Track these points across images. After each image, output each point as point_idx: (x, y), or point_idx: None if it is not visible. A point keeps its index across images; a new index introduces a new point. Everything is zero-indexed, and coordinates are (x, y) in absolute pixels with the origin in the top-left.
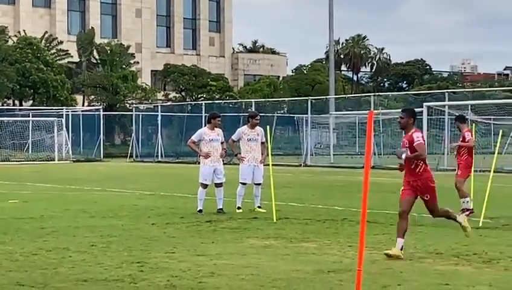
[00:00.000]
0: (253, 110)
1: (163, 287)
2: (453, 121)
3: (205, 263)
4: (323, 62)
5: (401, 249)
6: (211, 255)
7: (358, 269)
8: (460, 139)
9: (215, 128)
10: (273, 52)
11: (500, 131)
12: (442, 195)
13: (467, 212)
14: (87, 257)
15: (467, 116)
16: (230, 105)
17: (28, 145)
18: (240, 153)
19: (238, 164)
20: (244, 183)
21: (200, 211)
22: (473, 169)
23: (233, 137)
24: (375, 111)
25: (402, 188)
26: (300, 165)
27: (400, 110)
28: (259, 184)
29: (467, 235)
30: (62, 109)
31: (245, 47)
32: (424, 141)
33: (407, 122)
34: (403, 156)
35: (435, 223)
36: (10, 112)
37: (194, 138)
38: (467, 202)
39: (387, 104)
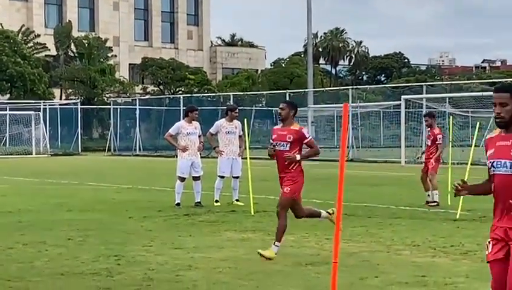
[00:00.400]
0: (232, 103)
1: (140, 281)
2: (423, 117)
3: (182, 256)
4: (302, 55)
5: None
6: (188, 248)
7: (334, 261)
8: (432, 138)
9: (193, 122)
10: (251, 45)
11: (477, 123)
12: (416, 189)
13: (434, 204)
14: (63, 251)
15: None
16: (209, 98)
17: (6, 139)
18: (218, 147)
19: (216, 157)
20: (222, 177)
21: (178, 204)
22: (450, 162)
23: (211, 130)
24: (354, 104)
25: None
26: None
27: (377, 103)
28: (238, 177)
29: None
30: (40, 103)
31: (223, 40)
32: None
33: (287, 114)
34: (298, 157)
35: (412, 216)
36: None
37: (171, 131)
38: (436, 194)
39: (366, 98)
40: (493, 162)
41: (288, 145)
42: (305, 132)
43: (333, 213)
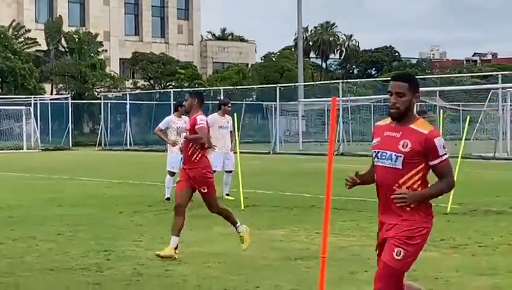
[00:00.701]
0: (222, 98)
1: (130, 276)
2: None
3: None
4: (292, 49)
5: (176, 249)
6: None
7: (322, 255)
8: None
9: (182, 116)
10: (241, 39)
11: (468, 117)
12: None
13: None
14: (53, 246)
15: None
16: None
17: None
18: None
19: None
20: (214, 171)
21: (168, 199)
22: None
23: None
24: (344, 98)
25: (179, 178)
26: (269, 152)
27: (368, 96)
28: (230, 172)
29: (243, 249)
30: (30, 98)
31: (214, 35)
32: (207, 126)
33: (190, 104)
34: (183, 134)
35: None
36: None
37: (160, 125)
38: None
39: (356, 91)
40: (378, 152)
41: (188, 133)
42: (198, 118)
43: (246, 232)
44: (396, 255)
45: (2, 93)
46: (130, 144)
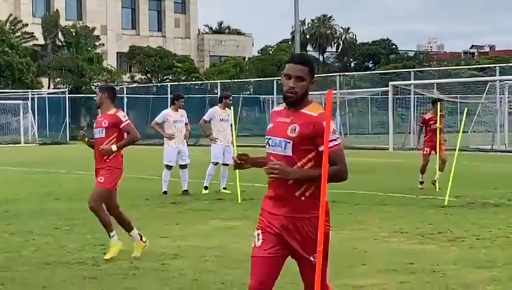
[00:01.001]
0: (220, 91)
1: (126, 270)
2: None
3: (169, 244)
4: (289, 42)
5: (141, 238)
6: (174, 236)
7: (318, 249)
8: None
9: (179, 110)
10: (238, 33)
11: (465, 109)
12: (405, 175)
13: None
14: (50, 240)
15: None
16: (196, 86)
17: None
18: (212, 134)
19: (208, 145)
20: (215, 163)
21: (165, 192)
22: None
23: (205, 117)
24: (341, 91)
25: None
26: None
27: (365, 89)
28: (228, 165)
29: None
30: (28, 92)
31: (211, 28)
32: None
33: (101, 100)
34: (114, 148)
35: (400, 202)
36: None
37: (157, 119)
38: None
39: (354, 84)
40: (269, 139)
41: (104, 131)
42: (120, 115)
43: (145, 244)
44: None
45: (0, 87)
46: None
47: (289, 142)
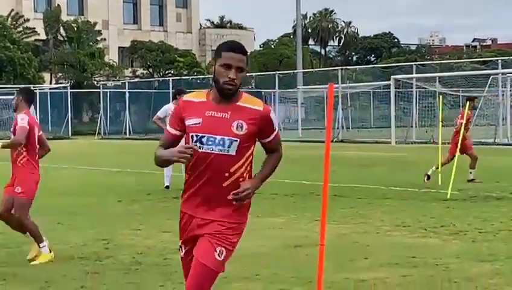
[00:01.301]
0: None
1: (129, 265)
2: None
3: (171, 239)
4: (291, 37)
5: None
6: (176, 231)
7: (320, 244)
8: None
9: None
10: (240, 27)
11: (467, 102)
12: (407, 169)
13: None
14: (52, 235)
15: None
16: (198, 81)
17: None
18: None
19: None
20: None
21: (167, 187)
22: (440, 141)
23: (159, 114)
24: (343, 85)
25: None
26: None
27: (367, 83)
28: None
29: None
30: (29, 87)
31: (212, 22)
32: (28, 125)
33: (17, 102)
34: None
35: (402, 196)
36: None
37: (159, 114)
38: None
39: (355, 78)
40: (203, 137)
41: (13, 135)
42: (19, 117)
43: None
44: (218, 255)
45: (1, 83)
46: (129, 133)
47: (236, 141)
